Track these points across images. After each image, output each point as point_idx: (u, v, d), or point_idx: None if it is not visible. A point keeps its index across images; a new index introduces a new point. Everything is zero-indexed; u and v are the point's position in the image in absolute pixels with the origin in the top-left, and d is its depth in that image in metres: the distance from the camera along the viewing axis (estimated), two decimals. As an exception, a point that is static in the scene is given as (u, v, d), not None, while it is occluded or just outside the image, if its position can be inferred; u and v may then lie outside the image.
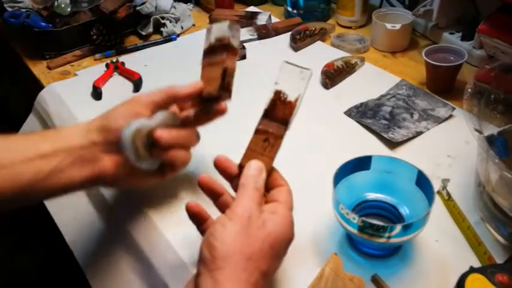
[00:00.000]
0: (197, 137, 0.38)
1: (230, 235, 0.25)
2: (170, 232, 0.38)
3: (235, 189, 0.31)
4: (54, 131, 0.35)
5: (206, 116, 0.37)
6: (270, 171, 0.31)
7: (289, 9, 0.71)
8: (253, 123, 0.53)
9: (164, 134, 0.32)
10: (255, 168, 0.30)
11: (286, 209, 0.29)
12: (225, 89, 0.37)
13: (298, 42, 0.63)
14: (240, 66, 0.62)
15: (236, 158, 0.43)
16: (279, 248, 0.27)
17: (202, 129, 0.53)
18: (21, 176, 0.30)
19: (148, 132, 0.32)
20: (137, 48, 0.66)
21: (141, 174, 0.34)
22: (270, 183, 0.30)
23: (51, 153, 0.31)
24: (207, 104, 0.37)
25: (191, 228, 0.32)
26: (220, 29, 0.37)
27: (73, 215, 0.45)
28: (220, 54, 0.37)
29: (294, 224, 0.29)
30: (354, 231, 0.32)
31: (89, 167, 0.32)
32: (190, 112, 0.37)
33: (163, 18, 0.69)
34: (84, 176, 0.32)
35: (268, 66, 0.62)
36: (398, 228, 0.31)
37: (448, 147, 0.45)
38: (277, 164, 0.45)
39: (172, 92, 0.35)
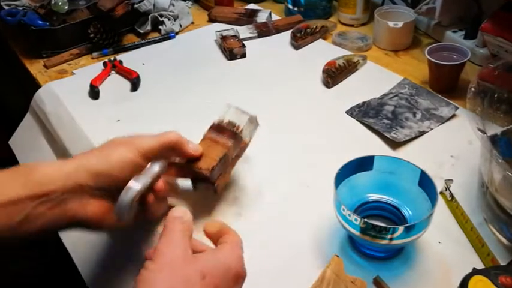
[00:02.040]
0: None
1: (155, 278, 0.24)
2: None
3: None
4: (30, 169, 0.30)
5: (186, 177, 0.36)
6: (221, 226, 0.28)
7: (290, 6, 0.71)
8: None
9: (163, 187, 0.32)
10: (180, 211, 0.27)
11: (230, 245, 0.27)
12: (214, 176, 0.35)
13: (299, 40, 0.63)
14: (240, 65, 0.62)
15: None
16: (215, 282, 0.24)
17: (201, 124, 0.53)
18: None
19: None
20: (135, 47, 0.66)
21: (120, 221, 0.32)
22: (217, 235, 0.28)
23: (24, 198, 0.28)
24: (193, 174, 0.35)
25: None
26: (240, 116, 0.36)
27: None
28: (227, 139, 0.36)
29: (243, 260, 0.27)
30: (356, 232, 0.32)
31: (71, 212, 0.29)
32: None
33: (161, 16, 0.69)
34: (64, 222, 0.30)
35: (269, 64, 0.61)
36: (400, 229, 0.30)
37: (451, 147, 0.45)
38: (277, 164, 0.45)
39: (173, 146, 0.34)
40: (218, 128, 0.36)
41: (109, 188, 0.31)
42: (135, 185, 0.30)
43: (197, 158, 0.35)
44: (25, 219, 0.28)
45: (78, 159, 0.31)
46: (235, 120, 0.36)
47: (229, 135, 0.36)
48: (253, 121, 0.36)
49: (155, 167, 0.32)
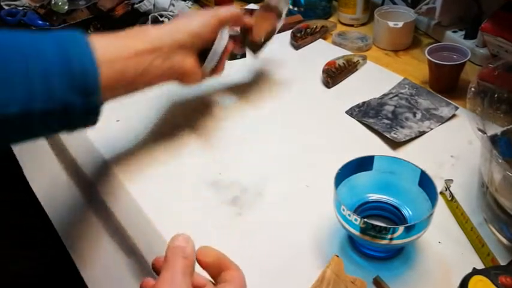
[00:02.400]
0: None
1: None
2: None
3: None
4: (142, 31, 0.38)
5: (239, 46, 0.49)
6: (218, 256, 0.26)
7: (290, 6, 0.71)
8: (251, 119, 0.53)
9: (231, 47, 0.47)
10: (181, 240, 0.25)
11: (234, 285, 0.25)
12: (263, 43, 0.49)
13: (299, 40, 0.63)
14: (240, 65, 0.62)
15: (236, 150, 0.42)
16: None
17: (201, 124, 0.53)
18: (126, 70, 0.34)
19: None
20: (136, 47, 0.66)
21: (204, 73, 0.43)
22: (216, 268, 0.26)
23: (144, 52, 0.35)
24: (247, 42, 0.49)
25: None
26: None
27: (72, 218, 0.44)
28: (272, 16, 0.49)
29: None
30: (356, 232, 0.32)
31: (177, 65, 0.38)
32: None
33: (161, 16, 0.68)
34: (169, 74, 0.38)
35: (269, 64, 0.61)
36: (400, 229, 0.30)
37: (451, 147, 0.45)
38: (277, 164, 0.45)
39: (239, 17, 0.45)
40: (266, 8, 0.50)
41: (199, 46, 0.40)
42: (224, 36, 0.42)
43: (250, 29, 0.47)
44: (146, 70, 0.36)
45: (179, 22, 0.40)
46: (275, 2, 0.49)
47: (273, 14, 0.50)
48: (285, 1, 0.50)
49: (226, 33, 0.43)
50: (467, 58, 0.51)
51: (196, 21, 0.40)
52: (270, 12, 0.49)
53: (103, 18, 0.63)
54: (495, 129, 0.37)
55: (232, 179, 0.42)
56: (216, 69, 0.44)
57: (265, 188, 0.41)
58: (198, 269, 0.25)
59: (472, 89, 0.38)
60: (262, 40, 0.48)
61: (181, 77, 0.40)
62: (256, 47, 0.49)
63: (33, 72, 0.28)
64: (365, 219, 0.30)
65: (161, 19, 0.68)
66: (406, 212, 0.36)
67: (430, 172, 0.34)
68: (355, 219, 0.31)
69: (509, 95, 0.39)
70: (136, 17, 0.68)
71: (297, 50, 0.63)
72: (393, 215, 0.36)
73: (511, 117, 0.39)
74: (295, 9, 0.70)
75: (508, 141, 0.38)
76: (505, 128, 0.38)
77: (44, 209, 0.48)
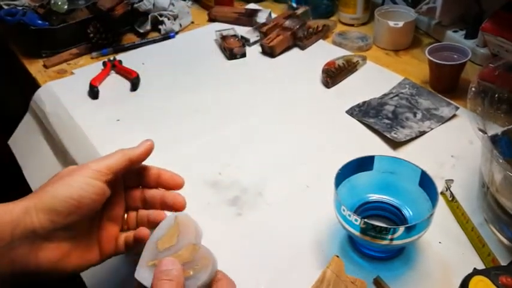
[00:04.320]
0: None
1: None
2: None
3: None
4: None
5: None
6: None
7: (294, 5, 0.71)
8: (251, 119, 0.53)
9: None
10: (166, 264, 0.24)
11: None
12: None
13: (304, 41, 0.63)
14: (240, 65, 0.62)
15: (236, 150, 0.42)
16: None
17: (201, 124, 0.52)
18: None
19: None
20: (135, 46, 0.66)
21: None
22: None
23: None
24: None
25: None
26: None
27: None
28: None
29: None
30: (356, 233, 0.32)
31: (19, 261, 0.25)
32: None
33: (161, 15, 0.68)
34: (9, 273, 0.25)
35: (269, 64, 0.61)
36: (401, 230, 0.30)
37: (451, 147, 0.45)
38: (277, 164, 0.45)
39: (127, 154, 0.29)
40: None
41: (69, 225, 0.26)
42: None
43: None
44: None
45: (30, 199, 0.26)
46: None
47: None
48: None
49: (164, 223, 0.28)
50: (468, 58, 0.51)
51: (61, 187, 0.26)
52: None
53: (102, 17, 0.63)
54: (496, 129, 0.37)
55: (232, 179, 0.42)
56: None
57: (265, 188, 0.41)
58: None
59: (473, 88, 0.38)
60: None
61: (33, 273, 0.26)
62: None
63: None
64: (365, 220, 0.30)
65: (161, 18, 0.68)
66: (407, 212, 0.35)
67: (430, 172, 0.33)
68: (356, 220, 0.31)
69: (510, 94, 0.39)
70: (135, 17, 0.68)
71: (303, 50, 0.63)
72: (394, 215, 0.36)
73: (511, 117, 0.39)
74: (297, 6, 0.70)
75: (508, 141, 0.38)
76: (505, 128, 0.38)
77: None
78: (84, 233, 0.28)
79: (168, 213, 0.31)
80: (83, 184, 0.26)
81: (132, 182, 0.32)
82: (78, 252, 0.28)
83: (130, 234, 0.31)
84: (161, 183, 0.32)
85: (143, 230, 0.29)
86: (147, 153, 0.31)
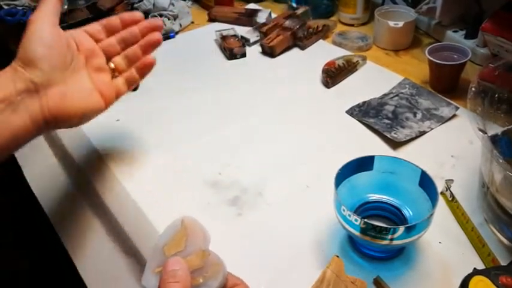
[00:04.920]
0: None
1: None
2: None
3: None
4: None
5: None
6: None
7: (294, 5, 0.71)
8: (251, 119, 0.53)
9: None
10: (172, 264, 0.24)
11: None
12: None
13: (304, 41, 0.63)
14: (240, 65, 0.62)
15: (236, 150, 0.42)
16: None
17: (201, 124, 0.52)
18: None
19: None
20: (135, 46, 0.66)
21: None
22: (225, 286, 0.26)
23: None
24: None
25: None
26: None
27: (71, 218, 0.44)
28: None
29: None
30: (356, 233, 0.32)
31: (33, 110, 0.30)
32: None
33: (161, 15, 0.68)
34: (32, 124, 0.30)
35: (269, 64, 0.61)
36: (401, 230, 0.30)
37: (451, 147, 0.45)
38: (277, 164, 0.45)
39: (107, 23, 0.36)
40: None
41: (54, 67, 0.31)
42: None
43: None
44: None
45: (14, 61, 0.31)
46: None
47: None
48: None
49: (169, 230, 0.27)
50: (468, 58, 0.51)
51: (30, 32, 0.31)
52: None
53: (103, 17, 0.63)
54: (496, 129, 0.37)
55: (232, 179, 0.42)
56: None
57: (265, 188, 0.41)
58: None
59: (473, 88, 0.38)
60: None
61: (54, 118, 0.32)
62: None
63: None
64: (365, 220, 0.30)
65: (161, 18, 0.68)
66: (407, 212, 0.35)
67: (430, 172, 0.33)
68: (356, 220, 0.31)
69: (510, 94, 0.39)
70: (136, 17, 0.68)
71: (303, 50, 0.63)
72: (394, 215, 0.36)
73: (511, 117, 0.39)
74: (297, 6, 0.70)
75: (508, 141, 0.38)
76: (505, 128, 0.38)
77: (43, 209, 0.48)
78: (73, 78, 0.33)
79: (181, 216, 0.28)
80: (39, 32, 0.31)
81: (101, 36, 0.37)
82: (77, 93, 0.33)
83: (127, 73, 0.37)
84: (125, 25, 0.37)
85: (148, 58, 0.37)
86: (128, 22, 0.37)
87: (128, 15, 0.38)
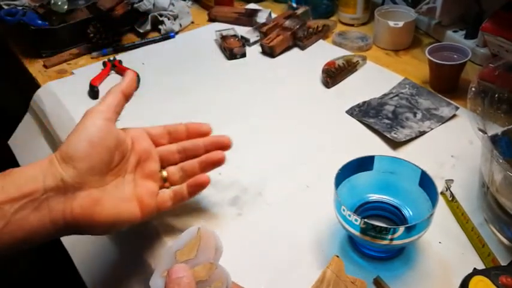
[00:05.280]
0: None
1: None
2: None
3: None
4: (6, 173, 0.27)
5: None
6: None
7: (294, 5, 0.71)
8: (251, 119, 0.52)
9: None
10: (177, 272, 0.24)
11: None
12: None
13: (304, 41, 0.63)
14: (240, 65, 0.62)
15: (235, 150, 0.42)
16: None
17: (203, 121, 0.52)
18: None
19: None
20: (135, 46, 0.65)
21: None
22: None
23: (2, 204, 0.25)
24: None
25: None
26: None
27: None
28: None
29: None
30: (356, 233, 0.32)
31: (56, 211, 0.26)
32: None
33: (161, 15, 0.68)
34: (51, 225, 0.26)
35: (269, 64, 0.61)
36: (401, 230, 0.30)
37: (451, 147, 0.45)
38: (277, 164, 0.45)
39: (117, 89, 0.31)
40: None
41: (92, 169, 0.27)
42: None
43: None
44: (6, 227, 0.25)
45: (55, 152, 0.28)
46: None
47: None
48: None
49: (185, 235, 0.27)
50: (468, 58, 0.51)
51: (77, 132, 0.28)
52: None
53: (103, 17, 0.63)
54: (496, 129, 0.37)
55: (232, 179, 0.42)
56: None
57: (265, 188, 0.41)
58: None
59: (473, 88, 0.38)
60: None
61: (74, 223, 0.27)
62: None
63: None
64: (365, 220, 0.30)
65: (161, 18, 0.68)
66: (407, 212, 0.35)
67: (430, 172, 0.33)
68: (356, 220, 0.31)
69: (510, 94, 0.39)
70: (136, 17, 0.68)
71: (303, 50, 0.63)
72: (394, 215, 0.36)
73: (511, 117, 0.39)
74: (297, 6, 0.70)
75: (508, 141, 0.38)
76: (505, 128, 0.38)
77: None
78: (114, 182, 0.29)
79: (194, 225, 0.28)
80: (89, 126, 0.28)
81: (162, 140, 0.33)
82: (111, 200, 0.28)
83: (178, 188, 0.32)
84: (191, 135, 0.34)
85: (203, 176, 0.32)
86: (133, 80, 0.33)
87: (195, 126, 0.34)
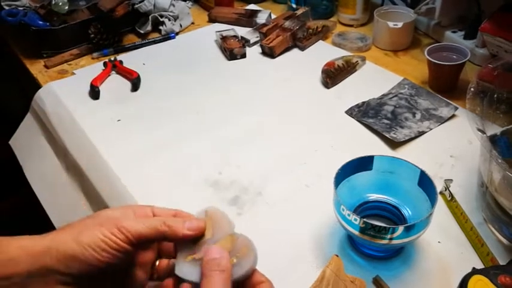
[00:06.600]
0: None
1: None
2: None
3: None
4: None
5: None
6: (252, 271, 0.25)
7: (294, 5, 0.71)
8: (251, 119, 0.52)
9: None
10: (215, 252, 0.24)
11: None
12: None
13: (303, 41, 0.63)
14: (240, 65, 0.62)
15: (236, 150, 0.43)
16: None
17: (202, 124, 0.52)
18: None
19: None
20: (135, 47, 0.66)
21: None
22: (250, 282, 0.25)
23: None
24: None
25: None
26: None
27: (73, 218, 0.44)
28: None
29: None
30: (356, 232, 0.32)
31: None
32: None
33: (162, 16, 0.69)
34: None
35: (269, 65, 0.62)
36: (400, 229, 0.30)
37: (450, 147, 0.45)
38: (277, 164, 0.45)
39: (164, 229, 0.25)
40: None
41: (80, 274, 0.24)
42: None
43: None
44: None
45: (55, 235, 0.25)
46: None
47: None
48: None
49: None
50: (467, 58, 0.51)
51: (80, 236, 0.24)
52: None
53: (103, 18, 0.63)
54: (495, 129, 0.37)
55: (232, 178, 0.43)
56: None
57: (265, 188, 0.41)
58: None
59: (472, 89, 0.38)
60: None
61: None
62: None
63: None
64: (365, 219, 0.31)
65: (161, 19, 0.69)
66: (406, 211, 0.36)
67: (429, 172, 0.34)
68: (355, 219, 0.31)
69: (509, 95, 0.39)
70: (136, 18, 0.69)
71: (303, 50, 0.63)
72: (393, 215, 0.36)
73: (510, 117, 0.39)
74: (297, 7, 0.70)
75: (507, 141, 0.38)
76: (504, 128, 0.38)
77: (44, 209, 0.48)
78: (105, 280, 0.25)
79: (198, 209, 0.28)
80: (96, 247, 0.24)
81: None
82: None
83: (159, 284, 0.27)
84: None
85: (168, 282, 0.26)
86: (191, 237, 0.26)
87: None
